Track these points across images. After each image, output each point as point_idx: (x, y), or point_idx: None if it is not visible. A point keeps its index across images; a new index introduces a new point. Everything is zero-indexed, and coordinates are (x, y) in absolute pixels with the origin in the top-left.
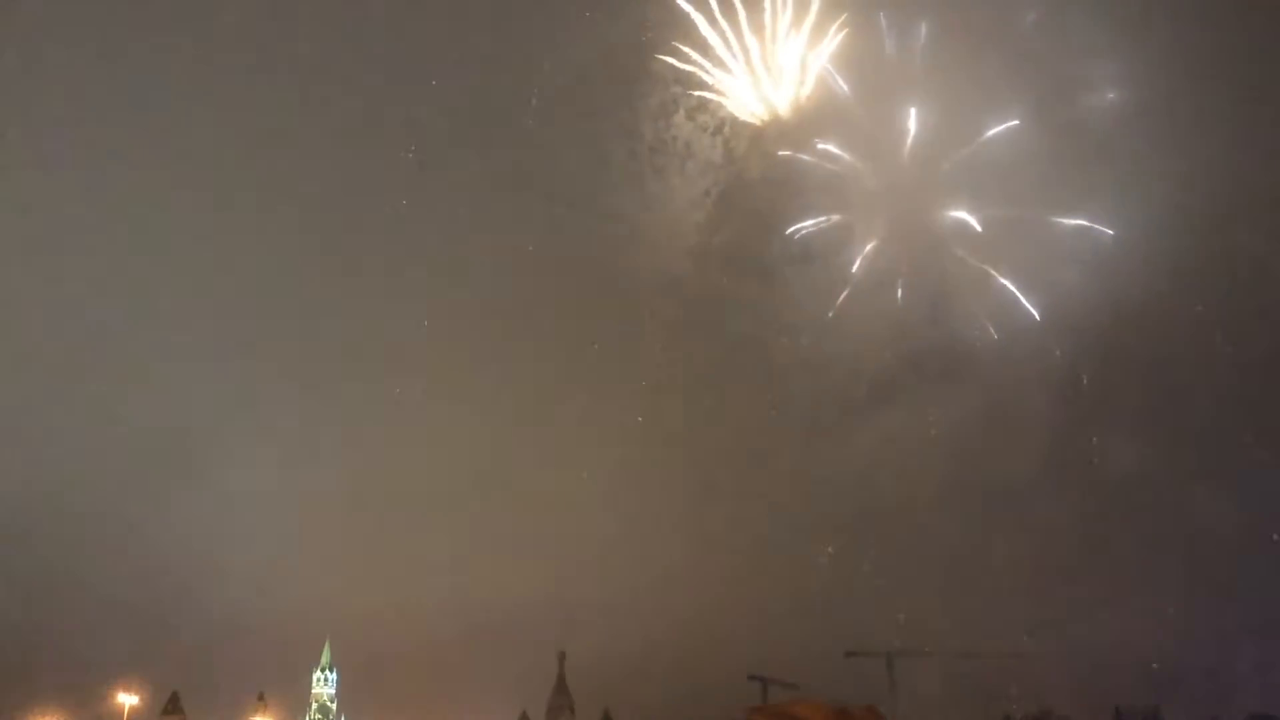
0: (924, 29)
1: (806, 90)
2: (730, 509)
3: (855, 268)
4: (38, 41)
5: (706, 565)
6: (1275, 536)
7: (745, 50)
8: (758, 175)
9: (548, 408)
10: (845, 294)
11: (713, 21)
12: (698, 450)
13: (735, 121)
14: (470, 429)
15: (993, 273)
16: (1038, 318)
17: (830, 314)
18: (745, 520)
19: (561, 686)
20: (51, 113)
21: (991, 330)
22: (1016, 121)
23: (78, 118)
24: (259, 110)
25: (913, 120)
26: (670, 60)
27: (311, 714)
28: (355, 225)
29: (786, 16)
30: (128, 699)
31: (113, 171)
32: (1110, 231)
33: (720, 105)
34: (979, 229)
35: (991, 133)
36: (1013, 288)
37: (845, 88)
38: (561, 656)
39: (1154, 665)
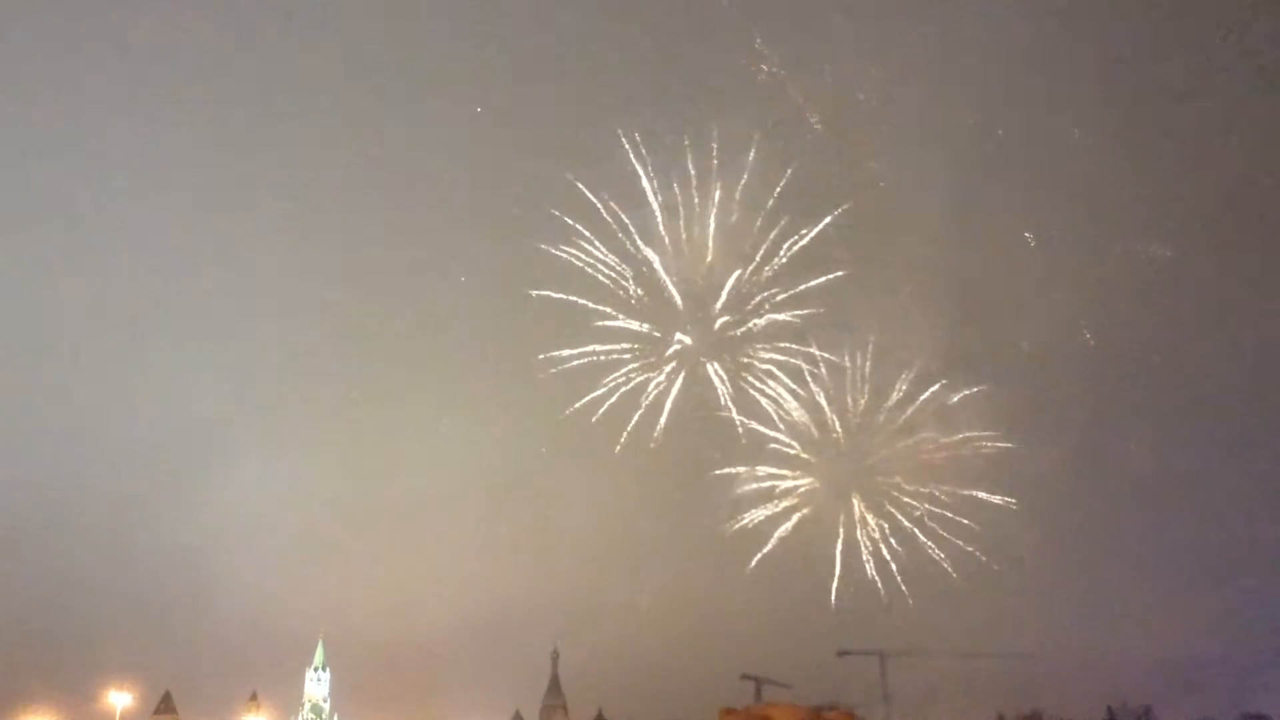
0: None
1: None
2: (726, 509)
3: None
4: (39, 43)
5: (700, 566)
6: None
7: None
8: None
9: (543, 410)
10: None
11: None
12: (694, 450)
13: None
14: (465, 431)
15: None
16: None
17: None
18: (740, 520)
19: (555, 686)
20: (58, 115)
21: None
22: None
23: (85, 119)
24: (273, 113)
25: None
26: None
27: (304, 713)
28: (360, 230)
29: None
30: (121, 698)
31: (117, 173)
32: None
33: None
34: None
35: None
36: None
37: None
38: (555, 656)
39: (1147, 666)
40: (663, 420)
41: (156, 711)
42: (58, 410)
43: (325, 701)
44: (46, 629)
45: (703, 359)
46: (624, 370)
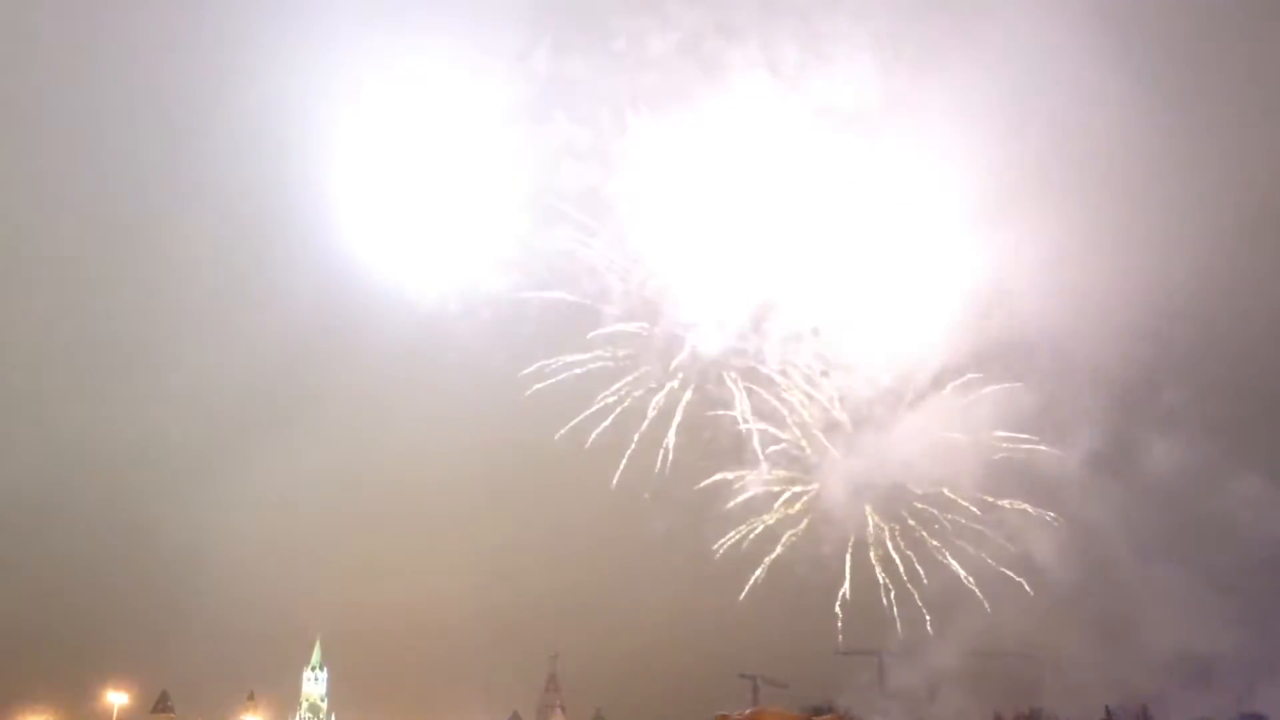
0: None
1: None
2: (736, 513)
3: None
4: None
5: (698, 564)
6: None
7: None
8: None
9: (545, 413)
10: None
11: None
12: (701, 453)
13: None
14: (463, 428)
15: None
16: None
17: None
18: (747, 523)
19: (553, 686)
20: (64, 101)
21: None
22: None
23: (107, 101)
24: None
25: None
26: None
27: (301, 713)
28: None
29: None
30: (117, 698)
31: (102, 172)
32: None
33: None
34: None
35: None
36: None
37: None
38: (553, 656)
39: (1147, 666)
40: (674, 424)
41: (154, 711)
42: (54, 408)
43: (323, 701)
44: (44, 628)
45: (713, 363)
46: (634, 375)
